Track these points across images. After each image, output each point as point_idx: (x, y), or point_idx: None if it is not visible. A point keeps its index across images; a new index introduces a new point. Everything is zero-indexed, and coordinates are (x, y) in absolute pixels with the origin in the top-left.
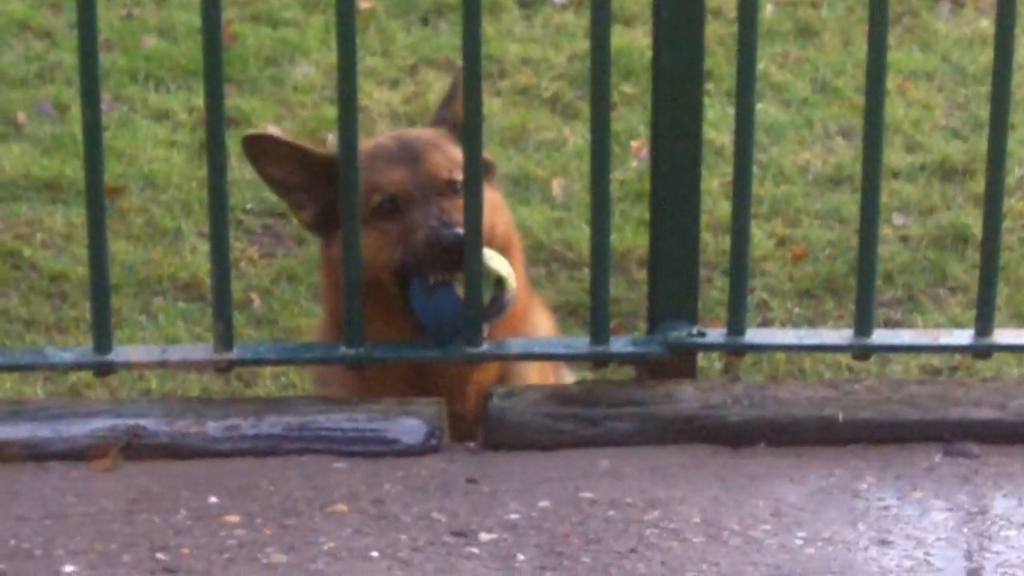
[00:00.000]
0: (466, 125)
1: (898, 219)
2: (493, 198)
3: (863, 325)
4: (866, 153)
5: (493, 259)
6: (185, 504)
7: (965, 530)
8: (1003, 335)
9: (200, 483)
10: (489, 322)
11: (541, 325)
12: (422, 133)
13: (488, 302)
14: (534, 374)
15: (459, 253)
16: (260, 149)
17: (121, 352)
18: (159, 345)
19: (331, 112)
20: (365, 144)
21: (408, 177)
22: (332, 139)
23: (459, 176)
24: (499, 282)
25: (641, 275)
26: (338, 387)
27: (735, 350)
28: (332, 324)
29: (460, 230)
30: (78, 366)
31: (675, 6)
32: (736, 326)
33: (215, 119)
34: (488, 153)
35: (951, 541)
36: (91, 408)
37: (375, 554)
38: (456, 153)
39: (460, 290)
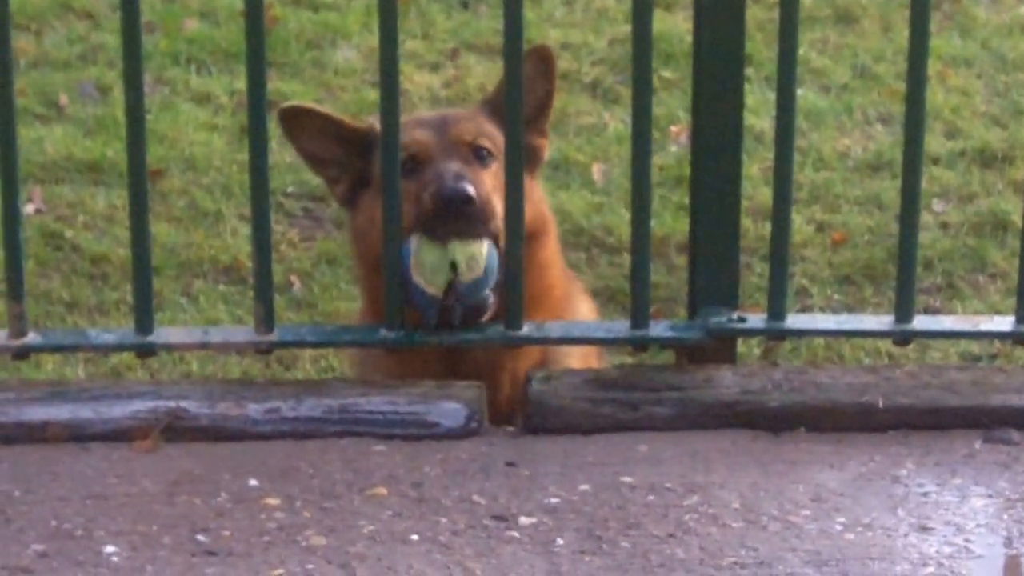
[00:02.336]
0: (508, 110)
1: (937, 206)
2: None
3: (903, 311)
4: (907, 139)
5: (463, 242)
6: (225, 486)
7: (1005, 517)
8: None
9: (240, 465)
10: (451, 307)
11: (581, 312)
12: (461, 109)
13: (445, 286)
14: (575, 362)
15: (463, 209)
16: (296, 122)
17: (162, 334)
18: (200, 327)
19: (372, 95)
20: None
21: (432, 138)
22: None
23: (486, 144)
24: (452, 266)
25: (680, 260)
26: (376, 371)
27: (775, 335)
28: (367, 302)
29: (470, 187)
30: (120, 347)
31: None
32: (776, 312)
33: (257, 102)
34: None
35: (991, 528)
36: (132, 390)
37: (415, 537)
38: (488, 127)
39: (414, 266)
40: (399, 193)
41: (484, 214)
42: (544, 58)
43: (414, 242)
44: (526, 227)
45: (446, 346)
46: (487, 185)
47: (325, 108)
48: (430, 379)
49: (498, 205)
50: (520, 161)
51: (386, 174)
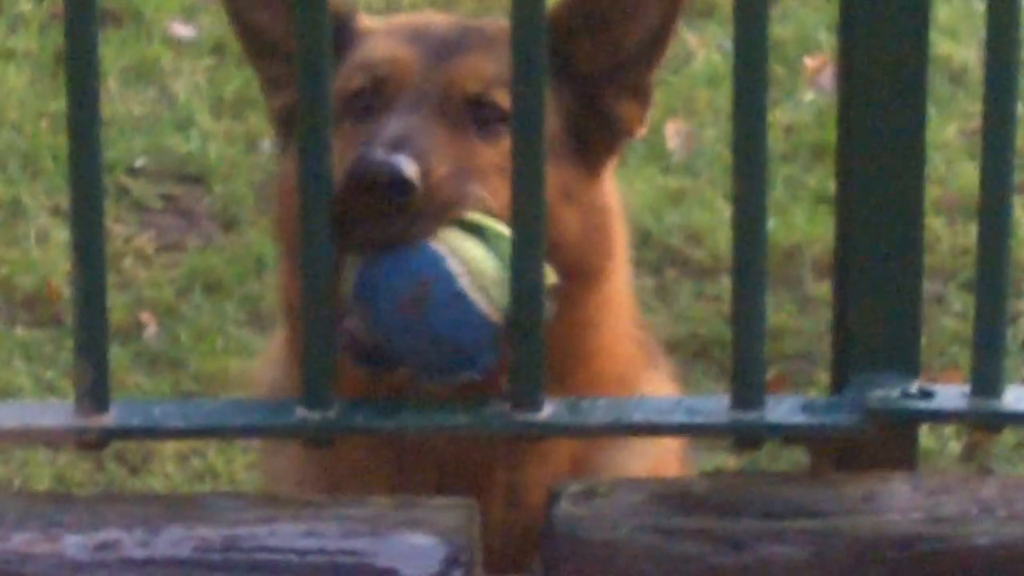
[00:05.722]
0: (514, 37)
1: None
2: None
3: None
4: None
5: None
6: None
7: None
8: None
9: None
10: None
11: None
12: (491, 25)
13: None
14: (636, 470)
15: (376, 196)
16: None
17: None
18: None
19: None
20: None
21: (415, 64)
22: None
23: (499, 99)
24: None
25: (818, 289)
26: (287, 477)
27: (985, 421)
28: (289, 320)
29: (405, 164)
30: None
31: None
32: (986, 381)
33: (81, 10)
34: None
35: None
36: None
37: None
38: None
39: (463, 275)
40: (327, 144)
41: (431, 208)
42: None
43: (451, 233)
44: (572, 251)
45: (406, 440)
46: (456, 163)
47: None
48: (378, 492)
49: (485, 193)
50: (538, 125)
51: (304, 112)
